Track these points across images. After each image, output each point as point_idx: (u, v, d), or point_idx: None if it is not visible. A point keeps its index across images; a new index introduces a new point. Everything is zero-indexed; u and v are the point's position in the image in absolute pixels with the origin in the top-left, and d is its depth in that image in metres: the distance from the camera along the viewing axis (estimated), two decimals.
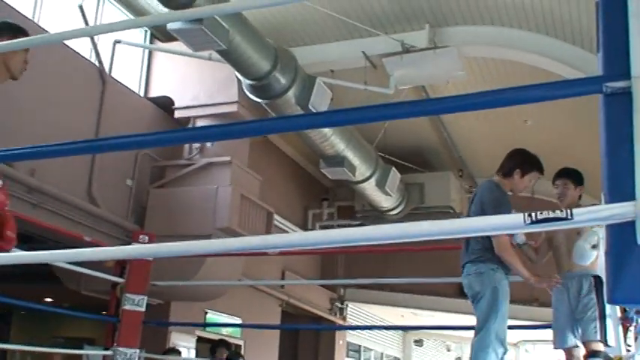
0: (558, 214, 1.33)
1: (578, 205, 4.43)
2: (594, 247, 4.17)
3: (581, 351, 4.27)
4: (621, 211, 1.33)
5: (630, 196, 1.35)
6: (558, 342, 4.43)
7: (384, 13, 8.42)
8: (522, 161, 4.32)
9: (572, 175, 4.55)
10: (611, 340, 4.02)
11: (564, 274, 4.39)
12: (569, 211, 1.33)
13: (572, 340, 4.33)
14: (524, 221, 1.34)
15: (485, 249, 4.00)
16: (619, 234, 1.37)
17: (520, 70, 8.90)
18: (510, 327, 9.12)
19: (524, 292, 11.82)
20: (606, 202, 1.39)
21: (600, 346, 4.13)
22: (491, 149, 10.25)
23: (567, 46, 8.04)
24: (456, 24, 8.52)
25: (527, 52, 8.37)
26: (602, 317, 4.08)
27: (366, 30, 8.52)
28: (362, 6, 8.26)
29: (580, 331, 4.26)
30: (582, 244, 4.22)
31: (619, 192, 1.38)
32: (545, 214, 1.35)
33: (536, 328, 6.44)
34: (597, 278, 4.23)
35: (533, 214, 1.36)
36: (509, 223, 1.38)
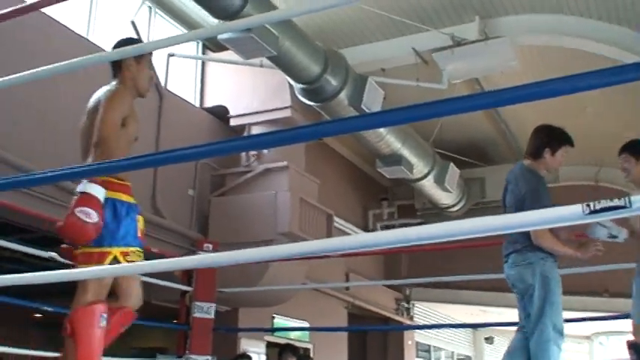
0: (617, 202, 1.31)
1: None
2: (601, 225, 4.02)
3: None
4: None
5: None
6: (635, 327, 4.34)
7: (432, 8, 8.37)
8: (549, 138, 4.09)
9: (630, 148, 4.33)
10: None
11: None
12: (627, 199, 1.31)
13: None
14: (583, 211, 1.33)
15: (529, 237, 3.80)
16: None
17: (574, 57, 8.71)
18: (583, 319, 8.96)
19: (595, 284, 11.55)
20: None
21: None
22: None
23: (620, 29, 7.82)
24: (507, 13, 8.40)
25: (580, 38, 8.19)
26: None
27: (415, 26, 8.48)
28: (409, 2, 8.22)
29: None
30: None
31: None
32: (603, 204, 1.33)
33: (608, 319, 6.28)
34: None
35: (591, 204, 1.34)
36: (567, 215, 1.36)
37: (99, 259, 3.07)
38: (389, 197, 13.36)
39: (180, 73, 9.33)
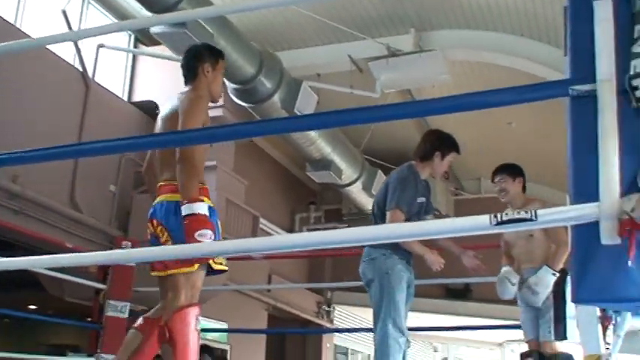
0: (523, 215, 1.35)
1: (526, 198, 4.53)
2: (512, 284, 4.24)
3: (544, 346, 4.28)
4: (586, 212, 1.35)
5: (594, 198, 1.37)
6: (525, 336, 4.49)
7: (369, 17, 8.45)
8: (440, 143, 4.15)
9: (506, 169, 4.54)
10: (572, 336, 3.97)
11: (522, 270, 4.44)
12: (533, 212, 1.35)
13: (533, 334, 4.38)
14: (491, 222, 1.36)
15: None
16: (583, 234, 1.39)
17: (505, 73, 8.96)
18: (496, 327, 9.13)
19: None
20: (571, 204, 1.41)
21: (558, 347, 4.15)
22: (476, 151, 10.30)
23: (551, 49, 8.09)
24: (441, 28, 8.56)
25: (512, 56, 8.42)
26: (562, 317, 4.05)
27: (351, 34, 8.55)
28: (347, 10, 8.28)
29: (539, 330, 4.28)
30: (503, 278, 4.28)
31: (584, 193, 1.40)
32: (510, 216, 1.36)
33: (519, 328, 6.48)
34: (562, 275, 4.18)
35: (499, 216, 1.37)
36: (475, 225, 1.39)
37: (187, 263, 3.09)
38: (317, 201, 13.40)
39: (109, 65, 9.12)
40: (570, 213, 1.36)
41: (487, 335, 15.75)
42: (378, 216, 4.07)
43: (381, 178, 10.82)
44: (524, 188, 4.56)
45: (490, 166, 4.75)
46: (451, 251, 4.09)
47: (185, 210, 3.04)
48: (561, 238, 4.13)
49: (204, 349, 8.11)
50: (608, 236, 1.36)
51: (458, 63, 9.19)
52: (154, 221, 3.25)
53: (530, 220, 1.34)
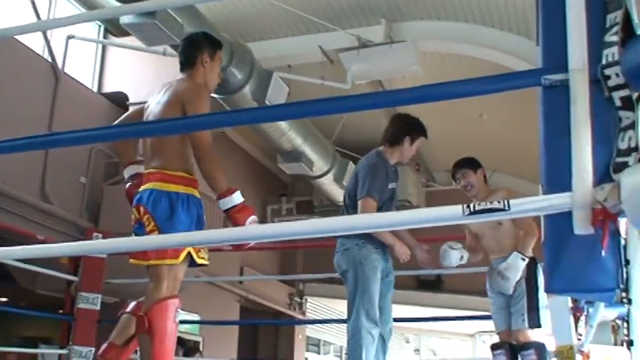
0: (496, 205, 1.35)
1: (489, 187, 4.57)
2: (453, 248, 4.24)
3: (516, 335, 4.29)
4: (558, 202, 1.36)
5: (567, 188, 1.37)
6: (496, 327, 4.52)
7: (340, 8, 8.43)
8: (409, 127, 4.15)
9: (466, 163, 4.56)
10: (546, 324, 4.00)
11: (491, 261, 4.48)
12: (506, 202, 1.35)
13: (505, 325, 4.39)
14: (463, 212, 1.36)
15: None
16: (556, 224, 1.40)
17: (476, 65, 9.00)
18: (467, 317, 9.18)
19: (479, 283, 11.94)
20: (544, 193, 1.41)
21: (531, 335, 4.18)
22: (447, 143, 10.35)
23: (522, 40, 8.14)
24: (412, 19, 8.57)
25: (482, 47, 8.45)
26: (535, 305, 4.08)
27: (322, 24, 8.52)
28: (318, 0, 8.25)
29: (511, 319, 4.28)
30: (445, 246, 4.29)
31: (556, 183, 1.41)
32: (483, 205, 1.37)
33: (490, 319, 6.54)
34: (533, 264, 4.26)
35: (471, 206, 1.38)
36: (447, 215, 1.39)
37: (173, 255, 3.08)
38: (288, 193, 13.38)
39: (79, 56, 8.99)
40: (543, 203, 1.36)
41: (459, 326, 15.88)
42: (350, 206, 4.03)
43: (352, 169, 10.83)
44: (485, 179, 4.58)
45: (461, 157, 4.75)
46: (405, 243, 4.03)
47: (225, 204, 3.09)
48: (530, 224, 4.16)
49: (177, 341, 8.06)
50: (581, 226, 1.37)
51: (429, 54, 9.20)
52: (141, 208, 3.22)
53: (503, 210, 1.34)
